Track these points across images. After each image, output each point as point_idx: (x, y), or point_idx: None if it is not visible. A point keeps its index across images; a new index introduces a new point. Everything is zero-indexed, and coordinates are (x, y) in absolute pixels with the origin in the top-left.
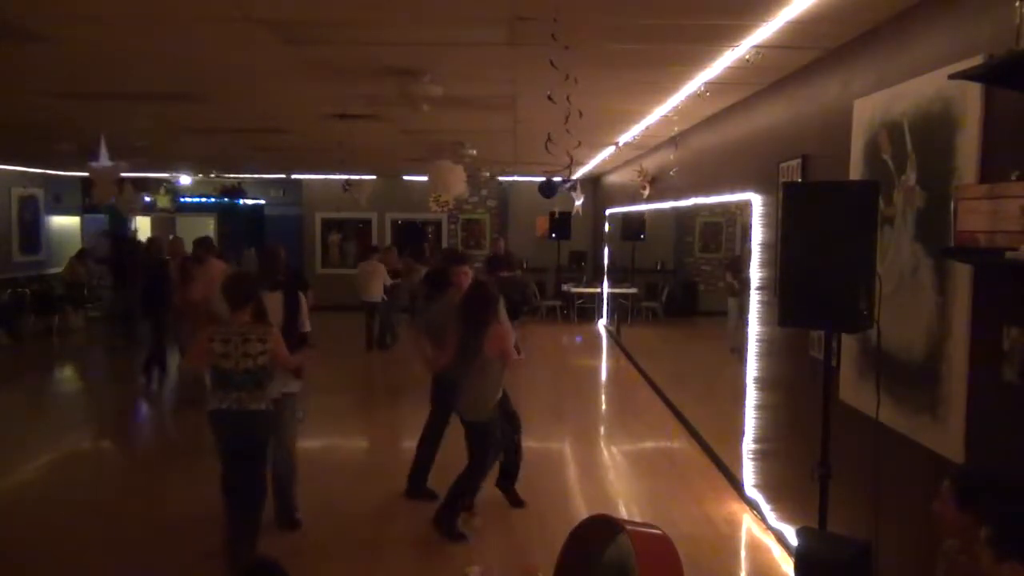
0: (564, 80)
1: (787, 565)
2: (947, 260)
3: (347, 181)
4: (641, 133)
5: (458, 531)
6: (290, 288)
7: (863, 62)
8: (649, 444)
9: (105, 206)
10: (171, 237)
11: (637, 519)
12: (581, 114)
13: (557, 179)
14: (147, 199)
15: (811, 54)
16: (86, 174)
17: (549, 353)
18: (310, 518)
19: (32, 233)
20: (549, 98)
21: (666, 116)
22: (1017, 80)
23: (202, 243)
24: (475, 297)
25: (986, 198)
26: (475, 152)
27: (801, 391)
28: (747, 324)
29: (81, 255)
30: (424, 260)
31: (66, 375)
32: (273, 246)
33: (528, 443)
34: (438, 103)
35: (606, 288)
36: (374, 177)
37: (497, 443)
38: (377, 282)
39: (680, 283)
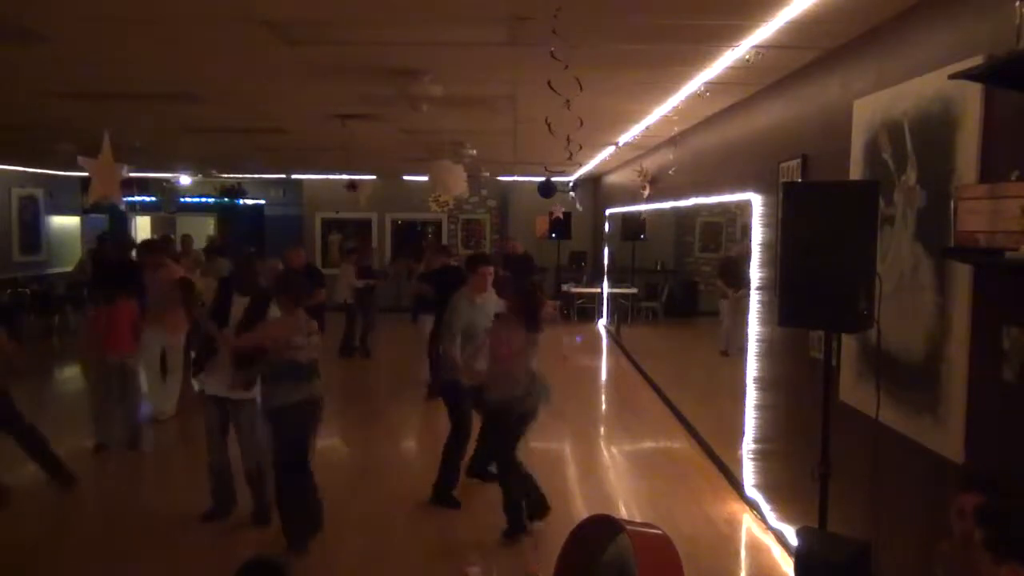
0: (566, 106)
1: (787, 565)
2: (947, 260)
3: (351, 183)
4: (641, 133)
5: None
6: (258, 296)
7: (863, 62)
8: (649, 444)
9: (105, 206)
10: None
11: (637, 519)
12: (581, 124)
13: (559, 179)
14: (146, 199)
15: (811, 54)
16: (86, 174)
17: (549, 353)
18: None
19: (32, 233)
20: (548, 127)
21: (666, 116)
22: (1017, 80)
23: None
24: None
25: (986, 198)
26: (475, 152)
27: (801, 391)
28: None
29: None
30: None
31: (66, 375)
32: (248, 254)
33: (529, 443)
34: (438, 103)
35: (606, 288)
36: (374, 177)
37: None
38: (341, 284)
39: (680, 283)
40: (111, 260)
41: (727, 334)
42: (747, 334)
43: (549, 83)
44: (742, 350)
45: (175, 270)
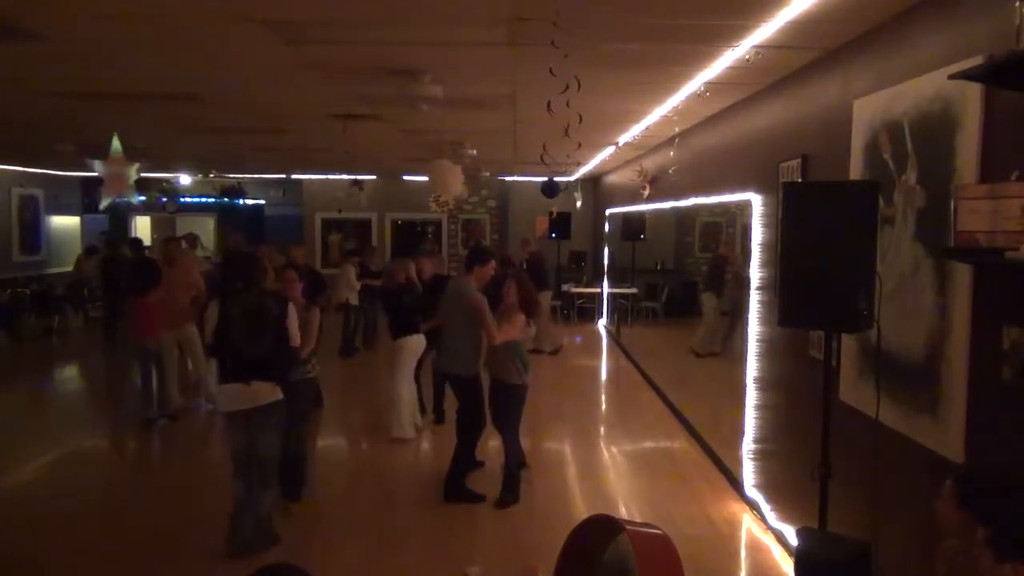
0: (567, 110)
1: (787, 565)
2: (947, 260)
3: (356, 182)
4: (641, 133)
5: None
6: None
7: (863, 62)
8: (649, 444)
9: (106, 206)
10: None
11: (637, 519)
12: (581, 120)
13: (560, 179)
14: (142, 198)
15: (811, 54)
16: (86, 174)
17: (549, 353)
18: (309, 519)
19: (32, 233)
20: (543, 158)
21: (666, 116)
22: (1017, 80)
23: (169, 241)
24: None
25: (986, 198)
26: (475, 152)
27: (801, 391)
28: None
29: (89, 252)
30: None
31: (66, 375)
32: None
33: (529, 443)
34: (438, 103)
35: (606, 288)
36: (374, 177)
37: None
38: (343, 284)
39: (680, 283)
40: (138, 259)
41: (706, 334)
42: (725, 335)
43: (549, 105)
44: (719, 352)
45: (192, 267)
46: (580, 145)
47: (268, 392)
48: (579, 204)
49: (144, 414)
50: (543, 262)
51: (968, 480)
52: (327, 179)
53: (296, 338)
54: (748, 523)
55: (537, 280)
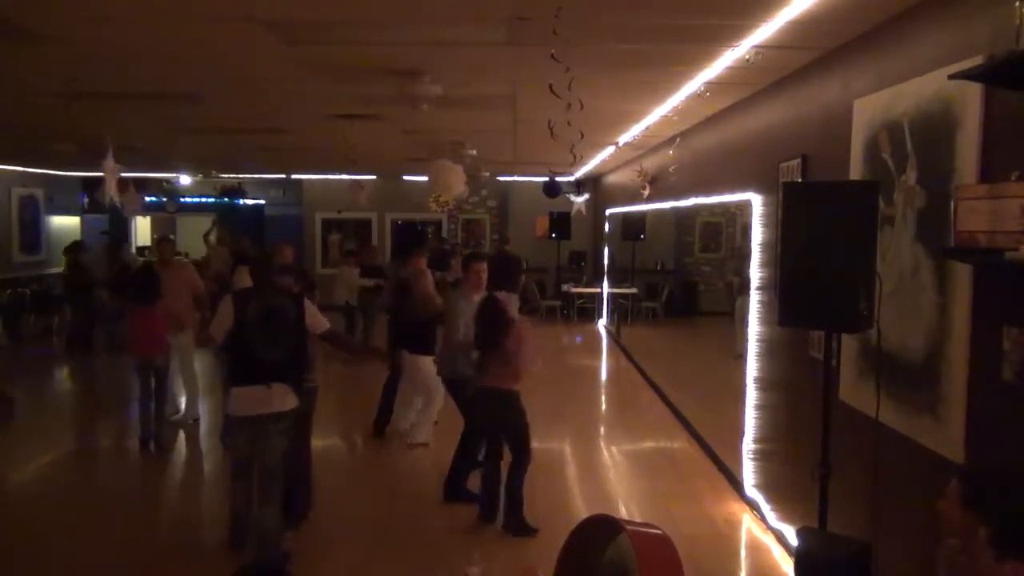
0: (567, 109)
1: (787, 565)
2: (947, 260)
3: (356, 183)
4: (641, 133)
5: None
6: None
7: (863, 62)
8: (649, 444)
9: (105, 207)
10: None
11: (637, 519)
12: (582, 107)
13: (562, 178)
14: (149, 199)
15: (811, 54)
16: (86, 174)
17: (549, 353)
18: (308, 520)
19: (32, 233)
20: (550, 128)
21: (666, 116)
22: (1017, 80)
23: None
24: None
25: (986, 198)
26: (475, 152)
27: (801, 391)
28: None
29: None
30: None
31: (66, 375)
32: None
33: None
34: (438, 103)
35: (606, 288)
36: (374, 177)
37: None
38: (340, 286)
39: (680, 283)
40: (143, 267)
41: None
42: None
43: (549, 125)
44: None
45: (190, 271)
46: (582, 136)
47: (280, 399)
48: (577, 202)
49: (153, 432)
50: (511, 261)
51: (972, 479)
52: (327, 179)
53: (323, 324)
54: (748, 523)
55: (498, 280)
